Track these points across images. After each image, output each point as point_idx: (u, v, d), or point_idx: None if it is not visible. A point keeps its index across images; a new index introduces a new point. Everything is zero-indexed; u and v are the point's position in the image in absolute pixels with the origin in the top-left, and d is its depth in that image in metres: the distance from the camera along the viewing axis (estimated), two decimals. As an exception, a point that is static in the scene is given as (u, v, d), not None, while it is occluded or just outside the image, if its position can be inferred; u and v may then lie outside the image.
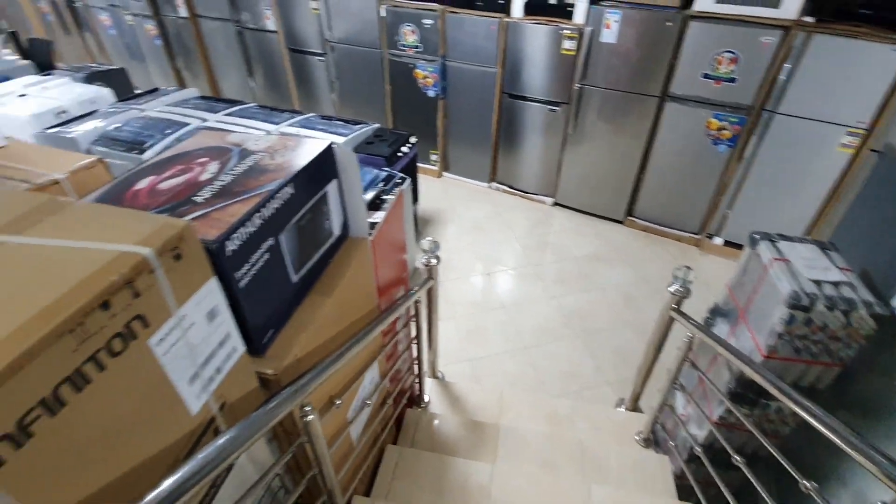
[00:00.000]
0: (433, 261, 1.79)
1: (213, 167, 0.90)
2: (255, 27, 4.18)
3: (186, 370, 0.59)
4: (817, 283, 1.23)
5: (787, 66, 2.46)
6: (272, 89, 4.53)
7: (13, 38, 5.69)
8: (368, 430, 1.45)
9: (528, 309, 2.76)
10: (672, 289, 1.67)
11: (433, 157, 3.94)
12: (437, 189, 3.88)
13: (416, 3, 3.34)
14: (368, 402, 1.37)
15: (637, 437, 1.91)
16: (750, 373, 1.17)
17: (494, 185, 3.89)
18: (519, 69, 3.24)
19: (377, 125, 3.05)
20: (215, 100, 3.24)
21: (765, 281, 1.34)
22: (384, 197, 1.52)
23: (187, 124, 2.72)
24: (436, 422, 1.94)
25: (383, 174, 2.32)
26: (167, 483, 0.52)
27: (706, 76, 2.67)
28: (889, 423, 1.16)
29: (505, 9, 3.09)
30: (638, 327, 2.60)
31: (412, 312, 1.81)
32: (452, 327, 2.61)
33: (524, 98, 3.34)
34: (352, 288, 1.16)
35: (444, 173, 4.05)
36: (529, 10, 3.07)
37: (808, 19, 2.37)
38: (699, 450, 1.48)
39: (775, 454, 1.06)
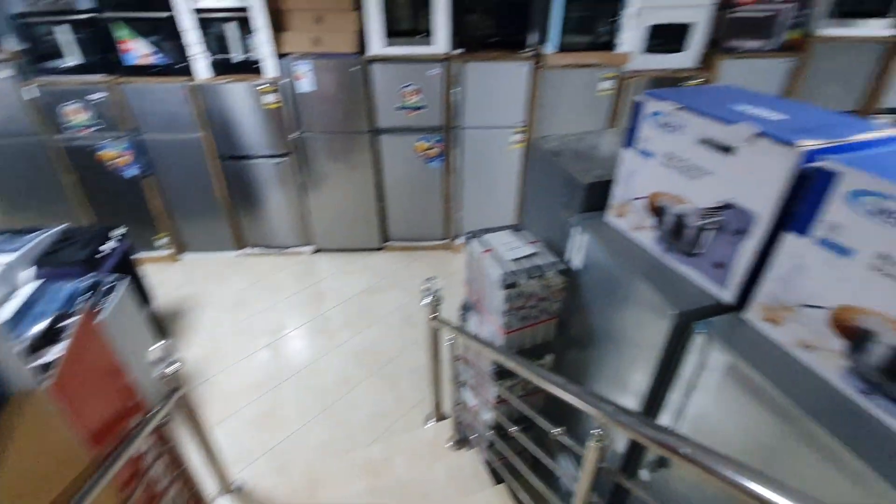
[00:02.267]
0: (173, 369, 1.51)
1: None
2: None
3: None
4: (517, 260, 1.48)
5: (456, 89, 2.97)
6: None
7: None
8: None
9: (320, 366, 2.62)
10: (425, 301, 1.80)
11: (160, 242, 3.40)
12: (178, 275, 3.37)
13: (73, 76, 2.83)
14: (120, 584, 1.05)
15: (448, 445, 2.00)
16: (491, 352, 1.33)
17: (246, 251, 3.60)
18: (229, 130, 3.07)
19: (63, 226, 2.46)
20: None
21: (482, 272, 1.55)
22: (62, 323, 1.20)
23: None
24: (244, 543, 1.64)
25: (85, 284, 1.88)
26: None
27: (401, 108, 3.01)
28: (601, 343, 1.47)
29: (187, 72, 2.89)
30: (422, 343, 2.75)
31: (158, 440, 1.48)
32: (238, 423, 2.28)
33: (246, 157, 3.19)
34: (31, 458, 0.86)
35: (183, 255, 3.54)
36: (219, 71, 2.93)
37: (459, 51, 2.91)
38: (490, 433, 1.63)
39: (526, 413, 1.22)
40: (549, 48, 2.84)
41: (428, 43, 2.84)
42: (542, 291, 1.49)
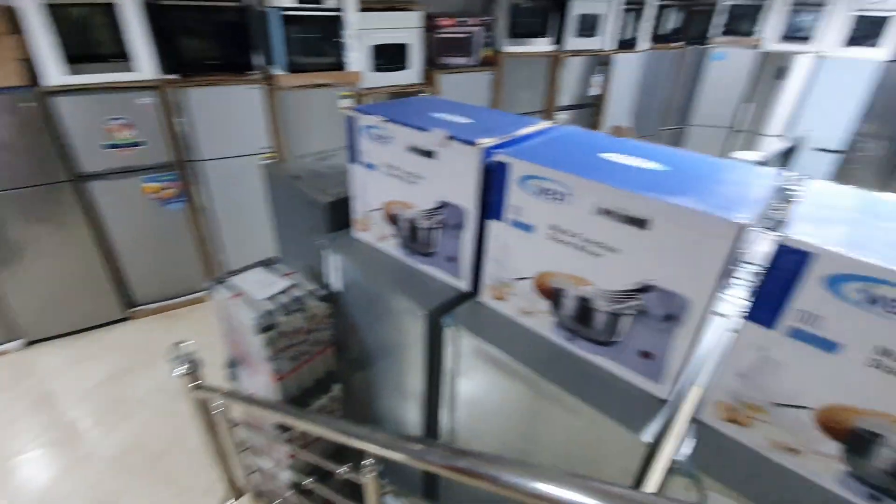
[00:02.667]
0: None
1: None
2: None
3: None
4: (271, 298, 1.35)
5: (181, 119, 2.61)
6: None
7: None
8: None
9: (62, 491, 1.96)
10: (178, 372, 1.50)
11: None
12: None
13: None
14: None
15: (252, 522, 1.73)
16: (257, 409, 1.18)
17: None
18: None
19: None
20: None
21: (235, 320, 1.37)
22: None
23: None
24: None
25: None
26: None
27: (110, 146, 2.49)
28: (379, 358, 1.45)
29: None
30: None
31: None
32: None
33: None
34: None
35: None
36: None
37: (174, 77, 2.55)
38: (291, 493, 1.46)
39: (312, 460, 1.12)
40: (278, 69, 2.74)
41: (129, 69, 2.41)
42: (307, 324, 1.40)
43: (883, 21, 4.10)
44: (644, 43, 4.41)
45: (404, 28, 3.10)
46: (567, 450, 0.96)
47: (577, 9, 3.75)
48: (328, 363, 1.53)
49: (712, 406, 0.81)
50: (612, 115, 4.48)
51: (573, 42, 3.87)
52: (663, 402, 0.88)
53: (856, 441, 0.67)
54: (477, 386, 1.09)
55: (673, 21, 4.60)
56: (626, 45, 4.28)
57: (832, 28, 4.32)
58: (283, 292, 1.38)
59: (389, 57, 3.15)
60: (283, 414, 1.13)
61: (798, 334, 0.67)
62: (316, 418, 1.00)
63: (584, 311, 0.92)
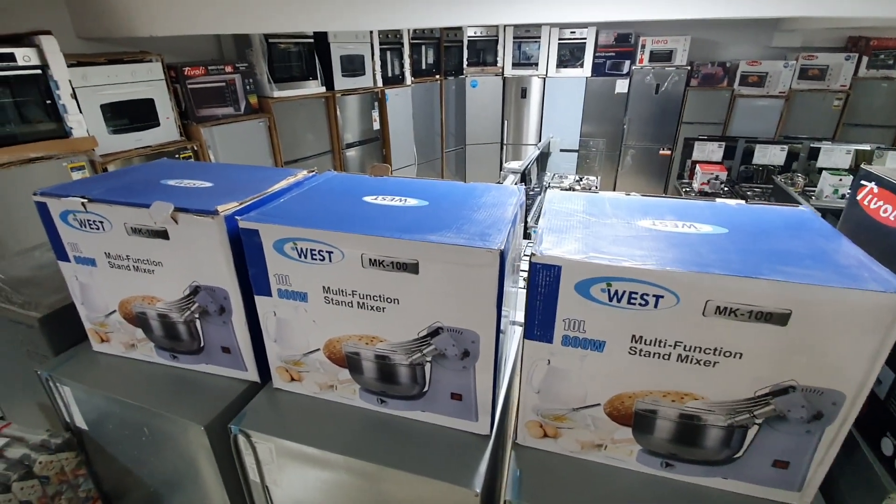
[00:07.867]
0: None
1: None
2: None
3: None
4: (-31, 475, 0.93)
5: None
6: None
7: None
8: None
9: None
10: None
11: None
12: None
13: None
14: None
15: None
16: None
17: None
18: None
19: None
20: None
21: None
22: None
23: None
24: None
25: None
26: None
27: None
28: (165, 496, 1.13)
29: None
30: None
31: None
32: None
33: None
34: None
35: None
36: None
37: None
38: None
39: None
40: (-41, 149, 2.07)
41: None
42: (50, 486, 1.01)
43: (583, 46, 5.21)
44: (410, 78, 4.74)
45: (142, 81, 2.68)
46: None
47: (338, 51, 3.81)
48: (96, 525, 1.14)
49: (525, 428, 0.80)
50: (396, 146, 4.68)
51: (342, 82, 3.92)
52: (487, 437, 0.85)
53: (639, 421, 0.73)
54: (298, 490, 0.91)
55: (431, 57, 5.07)
56: (395, 80, 4.54)
57: (549, 54, 5.33)
58: (-10, 459, 0.97)
59: (132, 115, 2.69)
60: None
61: (571, 341, 0.69)
62: None
63: (386, 367, 0.83)
